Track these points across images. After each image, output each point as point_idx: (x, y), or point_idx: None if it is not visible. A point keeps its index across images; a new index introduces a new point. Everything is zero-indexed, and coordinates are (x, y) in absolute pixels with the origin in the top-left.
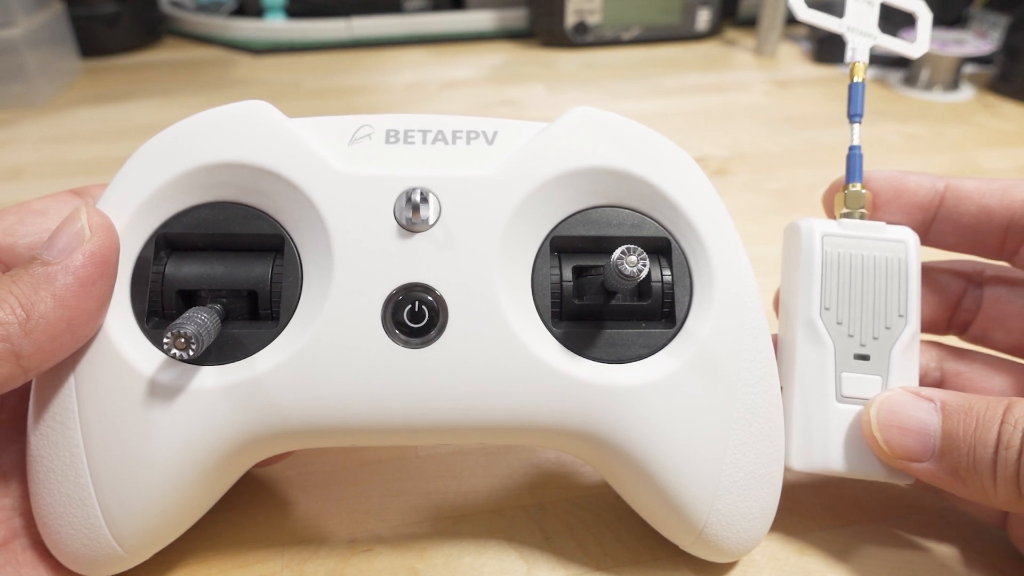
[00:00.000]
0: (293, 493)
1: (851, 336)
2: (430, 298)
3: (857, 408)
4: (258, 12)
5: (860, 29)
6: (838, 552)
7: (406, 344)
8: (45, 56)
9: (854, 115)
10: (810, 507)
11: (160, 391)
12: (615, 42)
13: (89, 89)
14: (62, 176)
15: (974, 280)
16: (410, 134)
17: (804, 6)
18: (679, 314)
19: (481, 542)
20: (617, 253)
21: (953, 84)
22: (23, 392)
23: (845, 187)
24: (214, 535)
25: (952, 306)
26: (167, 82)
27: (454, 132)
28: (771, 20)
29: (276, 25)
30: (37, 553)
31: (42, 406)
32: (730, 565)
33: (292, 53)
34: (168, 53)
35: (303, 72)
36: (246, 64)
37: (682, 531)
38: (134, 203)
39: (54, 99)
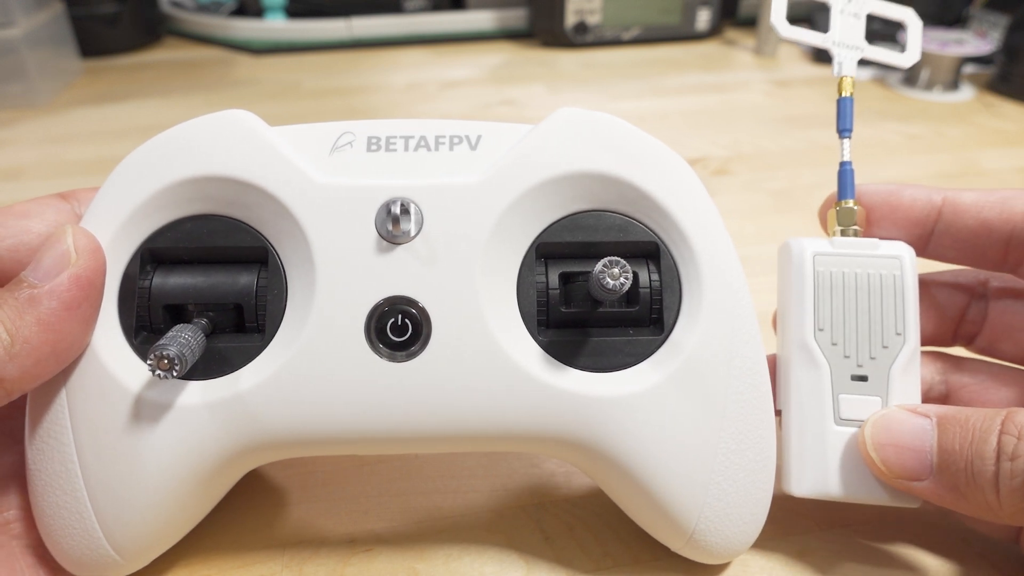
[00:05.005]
0: (293, 493)
1: (847, 357)
2: (413, 311)
3: (856, 431)
4: (258, 12)
5: (847, 43)
6: (837, 552)
7: (391, 358)
8: (45, 56)
9: (843, 130)
10: (809, 507)
11: (147, 407)
12: (615, 42)
13: (89, 89)
14: (62, 176)
15: (978, 292)
16: (392, 141)
17: (787, 24)
18: (668, 320)
19: (481, 542)
20: (599, 266)
21: (953, 84)
22: (16, 401)
23: (837, 204)
24: (214, 535)
25: (955, 320)
26: (167, 82)
27: (437, 138)
28: None
29: (276, 25)
30: (37, 557)
31: (37, 421)
32: (729, 565)
33: (292, 53)
34: (168, 53)
35: (303, 72)
36: (246, 64)
37: (672, 536)
38: (117, 219)
39: (54, 99)
